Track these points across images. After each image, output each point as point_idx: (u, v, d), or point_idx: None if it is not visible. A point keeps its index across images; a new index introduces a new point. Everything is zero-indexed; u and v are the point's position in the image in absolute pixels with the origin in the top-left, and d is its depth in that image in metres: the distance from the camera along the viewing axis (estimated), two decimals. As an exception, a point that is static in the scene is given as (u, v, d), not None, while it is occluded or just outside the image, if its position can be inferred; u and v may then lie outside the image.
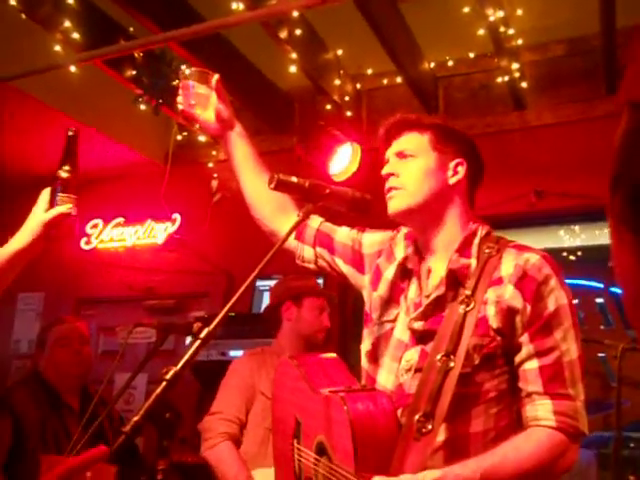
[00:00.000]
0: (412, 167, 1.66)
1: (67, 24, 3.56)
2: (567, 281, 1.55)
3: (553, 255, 1.63)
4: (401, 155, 1.69)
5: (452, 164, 1.67)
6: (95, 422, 2.07)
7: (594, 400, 3.89)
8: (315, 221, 1.92)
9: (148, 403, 1.20)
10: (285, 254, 1.90)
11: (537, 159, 4.33)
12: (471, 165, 1.69)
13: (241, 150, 1.93)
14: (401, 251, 1.74)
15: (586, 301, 4.17)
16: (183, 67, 1.85)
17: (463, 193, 1.69)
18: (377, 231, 1.88)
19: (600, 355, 3.98)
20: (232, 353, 3.95)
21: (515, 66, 4.09)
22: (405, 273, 1.70)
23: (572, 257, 4.58)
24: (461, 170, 1.67)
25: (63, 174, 1.70)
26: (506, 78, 4.22)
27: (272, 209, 1.90)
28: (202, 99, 1.87)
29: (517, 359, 1.52)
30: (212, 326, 1.32)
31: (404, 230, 1.79)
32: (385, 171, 1.69)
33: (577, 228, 4.65)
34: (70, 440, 2.57)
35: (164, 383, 1.23)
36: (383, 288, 1.72)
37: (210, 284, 4.92)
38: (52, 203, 1.68)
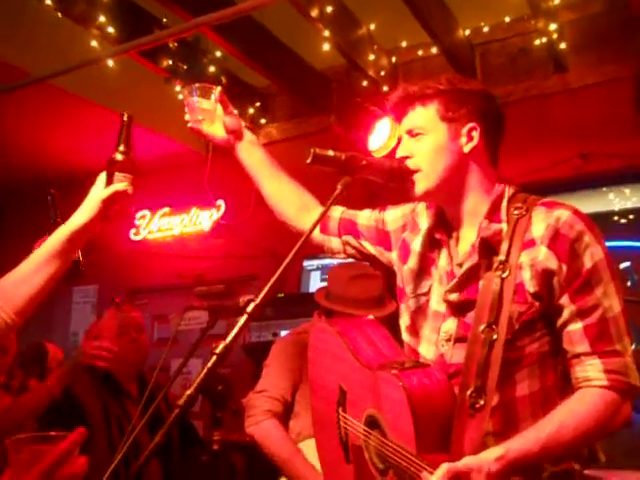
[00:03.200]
0: (423, 146, 1.62)
1: (102, 19, 3.63)
2: (619, 244, 1.50)
3: (603, 219, 1.59)
4: (411, 133, 1.65)
5: (465, 130, 1.60)
6: (152, 405, 2.13)
7: (653, 363, 3.80)
8: (336, 212, 1.91)
9: (200, 377, 1.24)
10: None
11: (581, 121, 4.24)
12: (487, 124, 1.62)
13: (256, 157, 1.93)
14: (425, 221, 1.72)
15: (640, 263, 4.08)
16: (190, 86, 1.87)
17: (482, 156, 1.63)
18: (398, 206, 1.86)
19: (657, 318, 3.89)
20: (283, 333, 4.00)
21: (553, 27, 3.99)
22: (433, 243, 1.68)
23: (623, 220, 4.47)
24: (475, 134, 1.60)
25: (119, 156, 1.74)
26: (544, 40, 4.13)
27: (296, 209, 1.91)
28: (208, 114, 1.88)
29: (559, 321, 1.50)
30: (258, 300, 1.34)
31: None
32: (399, 154, 1.66)
33: (627, 190, 4.53)
34: (131, 423, 2.65)
35: (214, 357, 1.26)
36: (413, 261, 1.71)
37: (258, 267, 4.98)
38: (109, 182, 1.71)
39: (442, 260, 1.65)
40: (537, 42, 4.21)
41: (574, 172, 4.19)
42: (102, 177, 1.74)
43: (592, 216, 1.57)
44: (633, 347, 3.82)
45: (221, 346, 1.28)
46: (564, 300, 1.48)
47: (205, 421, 3.95)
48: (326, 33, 3.86)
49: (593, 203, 4.45)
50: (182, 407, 1.20)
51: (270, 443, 2.53)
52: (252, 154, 1.93)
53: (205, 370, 1.25)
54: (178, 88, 4.25)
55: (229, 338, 1.29)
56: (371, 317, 2.11)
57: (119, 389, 2.91)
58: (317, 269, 4.74)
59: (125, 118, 1.79)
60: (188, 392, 1.21)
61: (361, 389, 1.68)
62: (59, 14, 3.51)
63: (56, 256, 1.64)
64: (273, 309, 4.10)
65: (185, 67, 4.17)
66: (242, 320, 1.33)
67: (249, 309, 1.34)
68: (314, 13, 3.67)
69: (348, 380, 1.76)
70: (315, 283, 4.66)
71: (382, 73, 4.52)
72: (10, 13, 3.58)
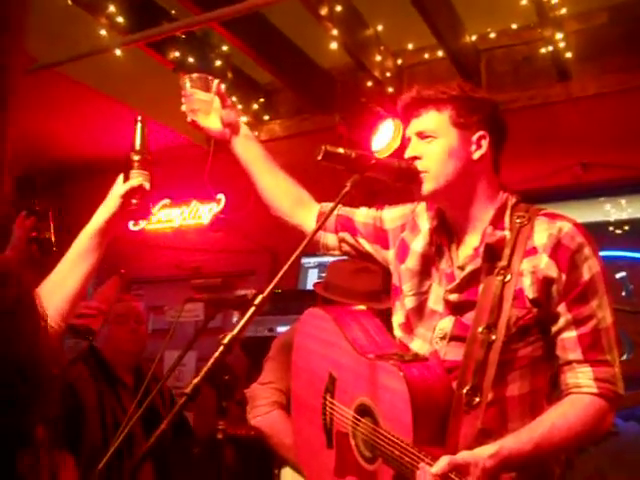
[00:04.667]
0: (434, 149, 1.64)
1: (112, 9, 3.64)
2: (614, 254, 1.55)
3: (600, 229, 1.64)
4: (422, 135, 1.67)
5: (475, 138, 1.64)
6: (148, 398, 2.14)
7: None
8: None
9: (207, 366, 1.25)
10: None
11: (582, 131, 4.27)
12: (494, 133, 1.67)
13: (251, 151, 1.94)
14: (425, 222, 1.76)
15: (635, 273, 4.11)
16: (188, 77, 1.89)
17: (488, 164, 1.67)
18: (396, 206, 1.89)
19: (651, 327, 3.93)
20: (279, 329, 4.02)
21: (559, 36, 4.02)
22: (434, 245, 1.71)
23: (619, 231, 4.52)
24: (484, 143, 1.64)
25: (135, 156, 1.80)
26: (550, 49, 4.16)
27: (290, 204, 1.93)
28: (204, 105, 1.89)
29: (554, 328, 1.55)
30: (266, 292, 1.37)
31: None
32: (408, 154, 1.68)
33: (624, 201, 4.57)
34: (126, 414, 2.66)
35: (221, 347, 1.28)
36: (412, 261, 1.74)
37: (255, 262, 5.00)
38: (126, 180, 1.78)
39: (442, 262, 1.68)
40: (542, 50, 4.24)
41: (574, 181, 4.22)
42: (121, 177, 1.81)
43: (589, 226, 1.62)
44: (625, 356, 3.85)
45: (229, 336, 1.29)
46: (561, 308, 1.53)
47: (196, 412, 3.96)
48: (334, 32, 3.87)
49: (590, 213, 4.49)
50: (189, 395, 1.21)
51: (277, 432, 2.54)
52: (248, 148, 1.94)
53: (212, 360, 1.26)
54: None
55: (237, 329, 1.31)
56: (364, 307, 2.13)
57: (115, 379, 2.91)
58: (315, 266, 4.77)
59: (139, 119, 1.85)
60: (195, 381, 1.22)
61: (354, 377, 1.71)
62: (69, 1, 3.52)
63: (85, 255, 1.70)
64: (270, 305, 4.10)
65: (192, 60, 4.18)
66: (249, 312, 1.35)
67: (257, 301, 1.36)
68: (323, 12, 3.69)
69: (340, 367, 1.79)
70: (313, 280, 4.68)
71: (387, 74, 4.54)
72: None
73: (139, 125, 1.84)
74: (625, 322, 3.77)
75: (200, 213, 5.37)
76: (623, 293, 4.05)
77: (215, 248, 5.31)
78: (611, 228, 4.40)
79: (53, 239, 2.68)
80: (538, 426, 1.47)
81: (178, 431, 3.00)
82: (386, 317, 2.08)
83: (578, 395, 1.51)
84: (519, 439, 1.45)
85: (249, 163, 1.94)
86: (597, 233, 1.61)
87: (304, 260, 4.78)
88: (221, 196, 5.23)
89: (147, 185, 1.78)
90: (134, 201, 1.75)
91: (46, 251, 2.71)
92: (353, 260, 2.62)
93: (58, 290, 1.65)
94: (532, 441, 1.44)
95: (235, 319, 4.72)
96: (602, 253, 1.59)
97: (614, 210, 4.50)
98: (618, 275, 4.05)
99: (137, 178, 1.77)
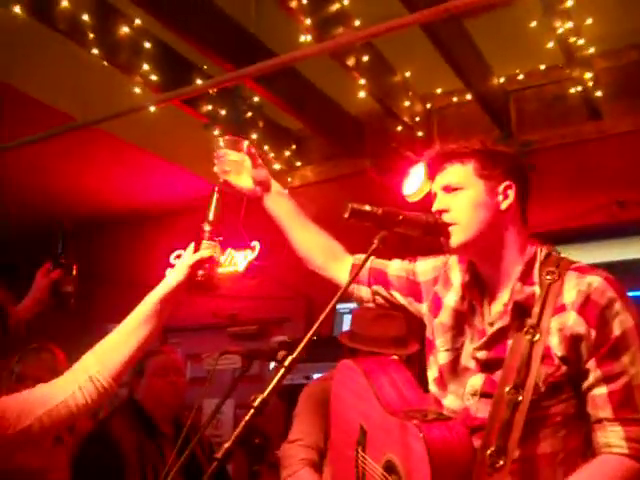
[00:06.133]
0: (461, 200, 1.65)
1: (145, 67, 3.75)
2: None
3: (637, 267, 1.60)
4: (448, 189, 1.68)
5: (501, 188, 1.65)
6: (187, 448, 2.15)
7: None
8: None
9: (238, 430, 1.25)
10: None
11: (617, 168, 4.23)
12: (520, 184, 1.67)
13: (284, 208, 1.96)
14: (457, 276, 1.75)
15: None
16: (220, 139, 1.95)
17: (516, 215, 1.67)
18: (428, 258, 1.89)
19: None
20: (316, 376, 4.00)
21: (588, 75, 4.02)
22: (467, 301, 1.70)
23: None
24: (511, 193, 1.65)
25: (207, 227, 1.82)
26: (579, 88, 4.16)
27: (324, 259, 1.94)
28: (235, 165, 1.93)
29: (585, 385, 1.51)
30: (295, 354, 1.37)
31: None
32: (435, 208, 1.69)
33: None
34: (166, 465, 2.67)
35: (252, 410, 1.29)
36: (445, 316, 1.73)
37: (291, 309, 5.02)
38: (197, 250, 1.79)
39: (475, 318, 1.68)
40: (572, 90, 4.24)
41: (610, 219, 4.16)
42: (191, 247, 1.82)
43: (627, 263, 1.59)
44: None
45: (259, 399, 1.30)
46: (590, 364, 1.50)
47: (237, 463, 3.95)
48: (362, 81, 3.93)
49: (629, 250, 4.41)
50: (220, 460, 1.22)
51: None
52: (279, 205, 1.96)
53: (243, 423, 1.26)
54: (217, 132, 4.35)
55: (267, 391, 1.32)
56: (395, 357, 2.12)
57: (156, 430, 2.91)
58: (350, 312, 4.75)
59: (216, 190, 1.88)
60: (226, 445, 1.22)
61: (382, 432, 1.70)
62: (105, 62, 3.64)
63: (146, 321, 1.69)
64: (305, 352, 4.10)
65: (224, 112, 4.28)
66: (279, 374, 1.35)
67: (287, 362, 1.37)
68: (350, 62, 3.76)
69: (370, 421, 1.78)
70: (347, 326, 4.67)
71: (417, 119, 4.58)
72: (60, 63, 3.74)
73: (215, 196, 1.87)
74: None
75: (235, 260, 5.42)
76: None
77: (251, 295, 5.35)
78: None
79: (73, 293, 2.78)
80: None
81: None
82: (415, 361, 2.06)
83: (608, 455, 1.47)
84: None
85: (281, 219, 1.96)
86: (635, 271, 1.59)
87: (339, 306, 4.77)
88: (256, 243, 5.28)
89: (218, 258, 1.80)
90: (201, 272, 1.75)
91: (64, 304, 2.81)
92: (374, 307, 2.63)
93: (115, 353, 1.65)
94: None
95: (272, 366, 4.72)
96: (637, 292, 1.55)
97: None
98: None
99: (208, 250, 1.77)
